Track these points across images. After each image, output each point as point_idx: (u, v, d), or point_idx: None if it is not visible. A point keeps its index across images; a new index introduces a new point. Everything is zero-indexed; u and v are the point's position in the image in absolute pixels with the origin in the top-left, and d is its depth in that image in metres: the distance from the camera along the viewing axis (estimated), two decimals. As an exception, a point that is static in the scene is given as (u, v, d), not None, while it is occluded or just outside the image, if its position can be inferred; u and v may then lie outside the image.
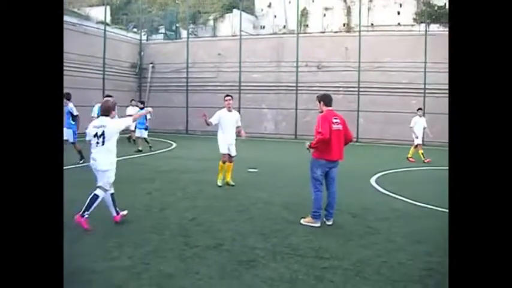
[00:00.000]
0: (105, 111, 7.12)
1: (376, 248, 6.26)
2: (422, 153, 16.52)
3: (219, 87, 27.82)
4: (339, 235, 6.87)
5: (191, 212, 8.09)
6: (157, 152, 17.85)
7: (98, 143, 6.94)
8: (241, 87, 28.24)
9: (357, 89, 25.71)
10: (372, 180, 11.94)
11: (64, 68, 23.00)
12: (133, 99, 17.22)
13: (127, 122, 7.64)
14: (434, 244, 6.47)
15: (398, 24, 30.54)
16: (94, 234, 6.51)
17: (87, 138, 7.11)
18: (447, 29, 27.77)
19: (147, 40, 32.89)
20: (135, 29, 34.12)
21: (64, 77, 17.93)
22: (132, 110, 17.04)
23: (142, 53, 31.29)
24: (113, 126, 7.04)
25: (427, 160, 16.23)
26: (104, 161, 6.96)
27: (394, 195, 10.11)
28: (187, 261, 5.52)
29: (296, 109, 26.93)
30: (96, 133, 6.93)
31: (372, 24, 30.89)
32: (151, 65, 30.64)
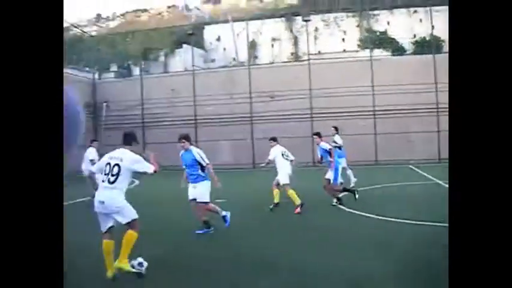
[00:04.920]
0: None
1: (344, 258, 6.80)
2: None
3: (175, 122, 28.17)
4: (326, 254, 7.40)
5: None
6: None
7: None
8: (197, 121, 28.65)
9: (309, 115, 26.54)
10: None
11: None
12: (94, 140, 16.87)
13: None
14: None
15: (344, 50, 31.84)
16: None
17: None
18: (389, 52, 29.35)
19: (99, 79, 32.92)
20: (86, 68, 34.08)
21: None
22: (93, 151, 16.69)
23: (95, 92, 31.28)
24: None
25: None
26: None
27: (361, 213, 10.77)
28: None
29: (252, 139, 27.48)
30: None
31: (319, 52, 32.08)
32: (105, 104, 30.65)
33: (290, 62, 31.81)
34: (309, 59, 27.42)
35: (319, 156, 12.96)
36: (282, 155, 12.26)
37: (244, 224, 10.12)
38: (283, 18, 34.81)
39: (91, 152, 15.07)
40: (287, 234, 9.03)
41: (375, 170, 22.22)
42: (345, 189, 13.16)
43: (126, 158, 6.19)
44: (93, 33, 41.17)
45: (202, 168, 8.94)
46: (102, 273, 6.07)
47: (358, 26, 32.63)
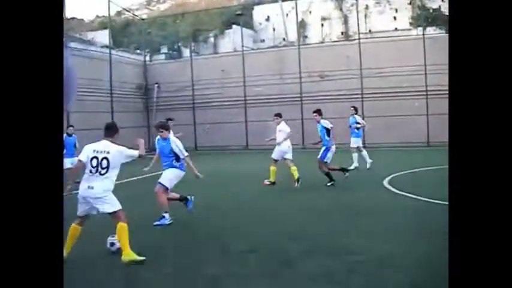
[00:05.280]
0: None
1: (398, 242, 6.72)
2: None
3: (225, 103, 28.44)
4: (362, 233, 7.34)
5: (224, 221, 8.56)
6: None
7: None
8: (247, 102, 28.79)
9: (360, 96, 26.18)
10: (385, 182, 12.39)
11: (74, 93, 23.64)
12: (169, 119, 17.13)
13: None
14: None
15: (396, 29, 31.13)
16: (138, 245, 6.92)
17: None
18: (443, 30, 28.42)
19: (150, 61, 33.46)
20: (137, 51, 34.70)
21: (73, 102, 18.15)
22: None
23: (146, 74, 31.84)
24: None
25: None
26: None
27: (408, 194, 10.56)
28: (229, 265, 5.99)
29: (302, 119, 27.35)
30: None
31: (370, 30, 31.51)
32: (156, 85, 31.16)
33: (340, 41, 31.30)
34: (359, 38, 26.92)
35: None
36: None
37: (289, 205, 10.18)
38: (333, -3, 34.30)
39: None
40: (339, 216, 8.99)
41: (427, 152, 21.72)
42: (342, 169, 13.02)
43: (112, 150, 6.29)
44: (144, 16, 41.78)
45: (178, 158, 8.68)
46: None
47: (410, 3, 31.71)
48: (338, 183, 12.15)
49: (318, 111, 12.84)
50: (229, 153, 15.28)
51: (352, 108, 17.00)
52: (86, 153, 6.31)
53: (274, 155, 12.85)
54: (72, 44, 26.09)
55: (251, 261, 6.08)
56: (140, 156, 6.63)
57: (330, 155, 12.35)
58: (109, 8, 29.43)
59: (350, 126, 16.36)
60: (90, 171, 6.19)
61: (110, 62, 27.57)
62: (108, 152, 6.24)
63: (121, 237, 6.17)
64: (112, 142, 6.47)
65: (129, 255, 6.04)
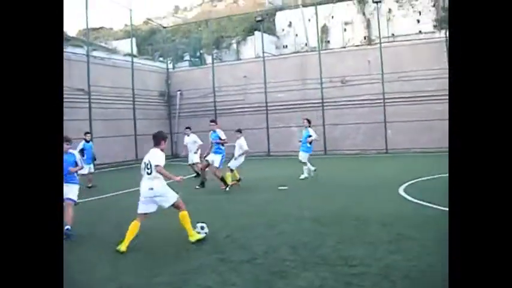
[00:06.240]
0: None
1: (405, 253, 6.50)
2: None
3: (246, 109, 28.48)
4: (367, 243, 7.13)
5: (225, 229, 8.47)
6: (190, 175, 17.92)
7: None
8: (268, 108, 28.72)
9: (382, 101, 25.85)
10: (401, 190, 12.12)
11: (96, 100, 24.03)
12: (187, 127, 17.78)
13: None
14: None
15: (419, 32, 30.64)
16: (136, 252, 6.97)
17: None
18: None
19: (173, 68, 33.72)
20: (161, 58, 35.06)
21: (96, 109, 19.27)
22: (188, 139, 17.11)
23: (169, 81, 32.10)
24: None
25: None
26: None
27: (423, 202, 10.28)
28: (224, 274, 5.88)
29: (324, 125, 27.15)
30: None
31: (393, 34, 31.07)
32: (179, 92, 31.40)
33: (362, 45, 30.98)
34: (380, 42, 26.59)
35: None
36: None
37: (296, 212, 10.01)
38: (355, 1, 33.95)
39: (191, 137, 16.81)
40: (346, 225, 8.79)
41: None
42: (222, 179, 13.77)
43: (152, 155, 7.46)
44: (170, 25, 42.23)
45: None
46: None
47: (434, 5, 31.19)
48: (350, 190, 11.98)
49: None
50: (252, 159, 15.36)
51: (305, 121, 16.19)
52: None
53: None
54: (96, 53, 26.50)
55: (246, 271, 5.96)
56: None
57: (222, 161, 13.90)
58: (131, 17, 29.77)
59: (300, 141, 15.99)
60: (147, 173, 7.36)
61: (132, 70, 27.87)
62: (151, 158, 7.40)
63: (185, 223, 7.49)
64: (159, 149, 7.54)
65: (193, 236, 7.44)
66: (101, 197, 13.46)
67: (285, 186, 13.67)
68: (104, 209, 11.58)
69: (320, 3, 32.48)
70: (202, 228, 7.66)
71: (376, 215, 9.14)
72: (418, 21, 31.55)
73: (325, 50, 31.18)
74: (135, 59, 29.18)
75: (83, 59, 24.08)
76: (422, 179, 14.01)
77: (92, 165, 15.68)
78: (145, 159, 7.45)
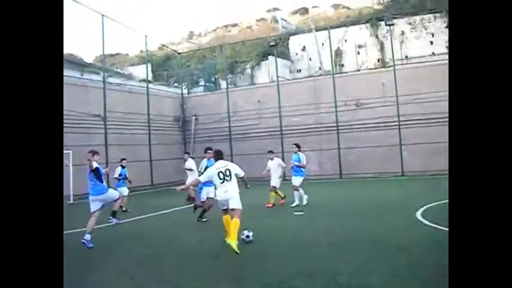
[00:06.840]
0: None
1: (423, 279, 6.40)
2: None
3: (261, 134, 28.54)
4: (384, 270, 7.03)
5: (240, 256, 8.41)
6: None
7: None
8: (283, 132, 28.75)
9: (397, 123, 25.76)
10: (418, 213, 11.98)
11: (111, 125, 24.28)
12: (186, 152, 18.29)
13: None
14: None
15: (433, 53, 30.65)
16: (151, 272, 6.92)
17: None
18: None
19: (188, 93, 34.01)
20: (176, 84, 35.43)
21: (112, 135, 19.75)
22: (189, 163, 16.95)
23: (184, 106, 32.35)
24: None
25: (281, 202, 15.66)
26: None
27: (441, 227, 10.12)
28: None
29: (339, 148, 27.09)
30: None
31: (407, 56, 31.13)
32: (194, 117, 31.60)
33: (376, 68, 31.02)
34: (394, 64, 26.62)
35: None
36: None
37: (326, 238, 9.91)
38: (367, 24, 34.13)
39: (190, 163, 16.59)
40: (362, 250, 8.69)
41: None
42: (199, 207, 13.48)
43: (230, 165, 9.17)
44: (185, 50, 42.74)
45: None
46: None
47: (446, 27, 31.22)
48: (366, 215, 11.86)
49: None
50: (267, 184, 15.40)
51: (294, 146, 15.80)
52: (208, 174, 9.18)
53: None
54: (112, 79, 26.88)
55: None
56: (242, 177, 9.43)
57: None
58: (146, 43, 30.17)
59: (293, 167, 15.29)
60: (221, 182, 8.90)
61: (147, 95, 28.17)
62: (227, 165, 9.11)
63: (235, 227, 8.54)
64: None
65: (232, 241, 8.32)
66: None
67: (301, 211, 13.59)
68: (117, 236, 11.55)
69: (333, 27, 32.74)
70: (247, 237, 9.13)
71: (393, 239, 9.01)
72: (431, 42, 31.59)
73: (339, 73, 31.29)
74: (150, 85, 29.55)
75: (99, 85, 24.47)
76: (440, 202, 13.83)
77: (127, 189, 16.42)
78: (221, 168, 8.94)
